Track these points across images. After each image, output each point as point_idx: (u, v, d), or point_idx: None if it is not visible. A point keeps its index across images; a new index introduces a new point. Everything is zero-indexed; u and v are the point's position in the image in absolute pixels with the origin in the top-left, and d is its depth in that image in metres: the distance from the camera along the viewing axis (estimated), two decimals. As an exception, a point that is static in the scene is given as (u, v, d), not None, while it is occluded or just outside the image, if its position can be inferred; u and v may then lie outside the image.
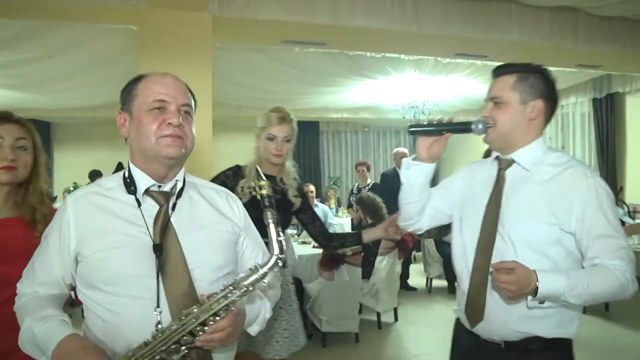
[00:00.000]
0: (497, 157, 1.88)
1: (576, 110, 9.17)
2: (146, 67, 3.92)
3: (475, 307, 1.80)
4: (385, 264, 5.42)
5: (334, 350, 4.86)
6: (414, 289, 6.89)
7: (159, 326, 1.36)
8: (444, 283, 6.91)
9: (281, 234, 1.44)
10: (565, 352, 1.79)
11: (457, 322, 1.99)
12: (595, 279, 1.62)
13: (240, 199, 2.57)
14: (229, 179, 2.68)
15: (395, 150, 7.38)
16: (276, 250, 1.38)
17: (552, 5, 5.10)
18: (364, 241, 2.87)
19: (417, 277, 7.50)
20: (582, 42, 5.53)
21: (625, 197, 8.29)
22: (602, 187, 1.70)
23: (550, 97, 1.81)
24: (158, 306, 1.39)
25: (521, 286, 1.57)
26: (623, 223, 3.22)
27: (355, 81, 7.50)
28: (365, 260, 5.28)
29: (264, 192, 1.51)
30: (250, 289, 1.36)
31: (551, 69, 1.87)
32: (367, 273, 5.35)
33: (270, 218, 1.43)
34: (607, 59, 6.28)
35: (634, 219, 7.62)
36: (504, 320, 1.74)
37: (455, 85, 7.78)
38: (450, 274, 6.44)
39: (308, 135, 11.30)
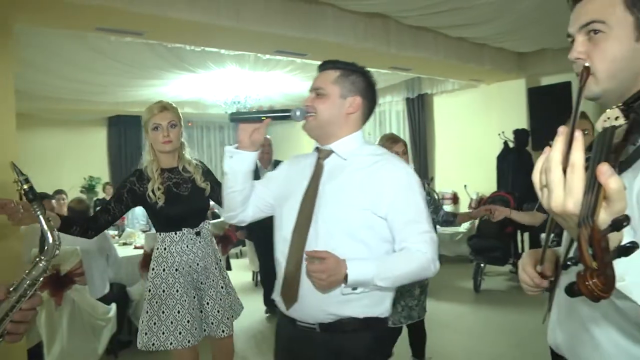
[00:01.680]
0: (317, 148, 1.95)
1: (392, 108, 9.91)
2: None
3: (289, 289, 1.85)
4: (209, 261, 5.34)
5: (163, 355, 4.67)
6: None
7: None
8: (269, 275, 7.01)
9: (51, 223, 1.43)
10: (378, 330, 1.90)
11: (279, 311, 2.00)
12: (401, 263, 1.78)
13: (156, 202, 2.69)
14: (135, 185, 2.75)
15: None
16: (51, 239, 1.40)
17: (365, 11, 5.38)
18: None
19: (242, 271, 7.56)
20: (394, 47, 5.90)
21: (435, 186, 9.12)
22: (412, 177, 1.86)
23: (369, 96, 1.93)
24: None
25: (331, 275, 1.66)
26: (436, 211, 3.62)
27: (176, 74, 7.30)
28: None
29: (26, 186, 1.52)
30: (41, 279, 1.36)
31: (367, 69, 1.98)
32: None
33: (38, 210, 1.44)
34: (416, 63, 6.83)
35: (442, 205, 8.41)
36: (318, 303, 1.80)
37: (277, 81, 7.91)
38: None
39: (129, 130, 10.77)
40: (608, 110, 0.89)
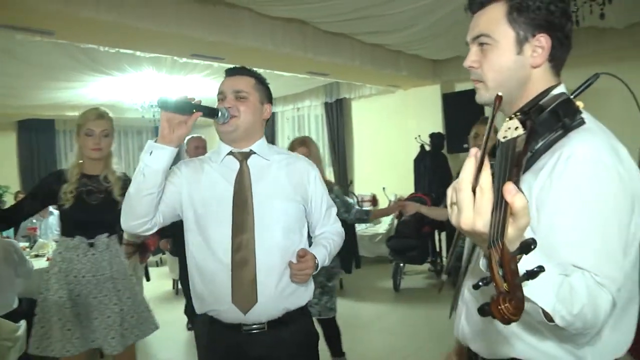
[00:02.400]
0: (230, 153, 1.95)
1: (311, 112, 9.99)
2: None
3: (246, 294, 1.85)
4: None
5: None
6: None
7: None
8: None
9: None
10: (310, 313, 2.11)
11: (210, 322, 1.95)
12: (335, 242, 2.10)
13: (63, 205, 2.69)
14: (53, 184, 2.80)
15: (189, 137, 4.94)
16: None
17: (283, 17, 5.39)
18: None
19: (163, 279, 7.40)
20: (311, 52, 5.93)
21: (354, 189, 9.27)
22: (319, 172, 2.12)
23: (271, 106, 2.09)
24: None
25: (313, 268, 1.89)
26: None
27: (91, 77, 6.99)
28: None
29: None
30: None
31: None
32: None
33: None
34: (334, 68, 6.90)
35: (362, 207, 8.58)
36: (276, 300, 1.89)
37: (195, 85, 7.73)
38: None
39: (42, 134, 10.19)
40: (508, 121, 0.95)
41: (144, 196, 1.78)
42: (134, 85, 7.63)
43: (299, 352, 1.98)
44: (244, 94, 1.92)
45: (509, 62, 1.19)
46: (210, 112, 1.83)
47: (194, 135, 4.76)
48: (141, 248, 5.27)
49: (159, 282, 7.22)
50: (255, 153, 1.97)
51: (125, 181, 2.89)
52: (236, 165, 1.95)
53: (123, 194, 2.79)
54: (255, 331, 1.89)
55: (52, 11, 3.99)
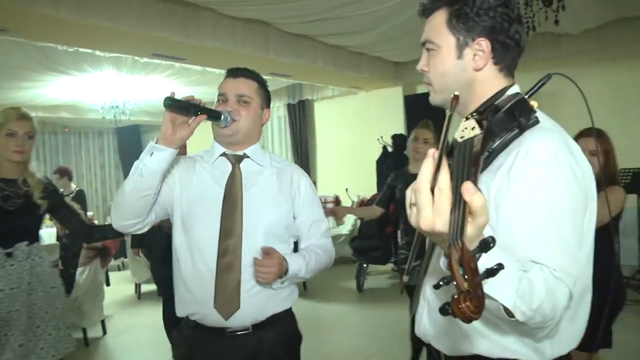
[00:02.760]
0: (223, 154, 1.93)
1: (273, 113, 9.94)
2: None
3: (228, 299, 1.82)
4: (87, 275, 5.07)
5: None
6: None
7: None
8: (153, 287, 6.78)
9: None
10: (293, 315, 2.06)
11: (192, 327, 1.92)
12: (319, 257, 2.00)
13: None
14: None
15: None
16: None
17: (245, 17, 5.38)
18: None
19: (124, 284, 7.27)
20: (272, 53, 5.93)
21: (317, 190, 9.27)
22: (312, 183, 2.09)
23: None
24: None
25: (279, 268, 1.79)
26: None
27: (50, 76, 6.85)
28: (65, 273, 4.84)
29: None
30: None
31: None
32: (68, 287, 4.88)
33: None
34: (296, 70, 6.93)
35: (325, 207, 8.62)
36: (258, 305, 1.86)
37: (156, 85, 7.66)
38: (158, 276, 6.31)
39: (-2, 136, 9.91)
40: (465, 121, 0.97)
41: (140, 197, 1.74)
42: (94, 86, 7.51)
43: (283, 353, 1.95)
44: (246, 99, 1.89)
45: (449, 66, 1.25)
46: (213, 115, 1.80)
47: None
48: (102, 252, 5.17)
49: (120, 286, 7.10)
50: (248, 157, 1.94)
51: (47, 184, 2.73)
52: (228, 167, 1.92)
53: (43, 198, 2.65)
54: (239, 334, 1.87)
55: (3, 6, 3.87)
